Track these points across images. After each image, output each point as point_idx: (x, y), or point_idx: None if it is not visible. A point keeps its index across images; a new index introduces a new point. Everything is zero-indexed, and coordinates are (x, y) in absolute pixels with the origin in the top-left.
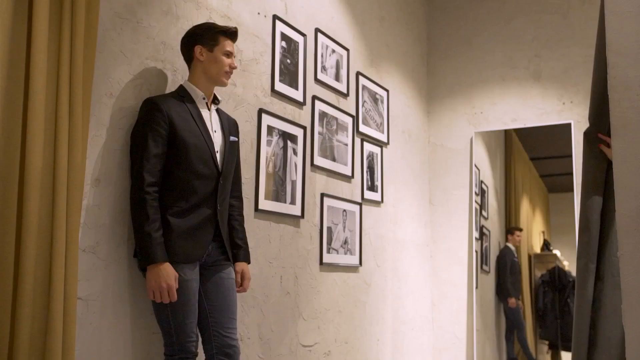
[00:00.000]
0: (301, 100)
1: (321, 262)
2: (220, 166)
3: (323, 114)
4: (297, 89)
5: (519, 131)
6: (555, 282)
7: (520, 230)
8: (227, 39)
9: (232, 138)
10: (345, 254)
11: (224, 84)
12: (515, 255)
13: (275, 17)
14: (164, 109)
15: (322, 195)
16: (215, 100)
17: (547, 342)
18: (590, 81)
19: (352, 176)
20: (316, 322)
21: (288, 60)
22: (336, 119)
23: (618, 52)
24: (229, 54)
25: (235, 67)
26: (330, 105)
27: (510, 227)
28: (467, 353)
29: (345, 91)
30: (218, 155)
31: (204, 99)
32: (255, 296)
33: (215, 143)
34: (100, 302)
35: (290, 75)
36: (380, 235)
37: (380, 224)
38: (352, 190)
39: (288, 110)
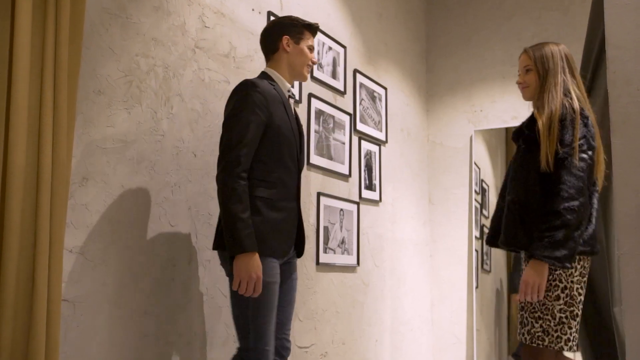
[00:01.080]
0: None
1: (317, 262)
2: (299, 162)
3: (319, 112)
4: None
5: None
6: None
7: None
8: (311, 34)
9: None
10: (343, 253)
11: (305, 78)
12: None
13: (270, 14)
14: (265, 94)
15: (319, 194)
16: (292, 95)
17: None
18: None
19: (350, 175)
20: (312, 323)
21: None
22: (333, 117)
23: (618, 45)
24: (312, 49)
25: (316, 62)
26: (327, 103)
27: None
28: (467, 353)
29: (342, 89)
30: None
31: (288, 91)
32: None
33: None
34: (88, 304)
35: None
36: (378, 235)
37: (378, 223)
38: (350, 189)
39: None
